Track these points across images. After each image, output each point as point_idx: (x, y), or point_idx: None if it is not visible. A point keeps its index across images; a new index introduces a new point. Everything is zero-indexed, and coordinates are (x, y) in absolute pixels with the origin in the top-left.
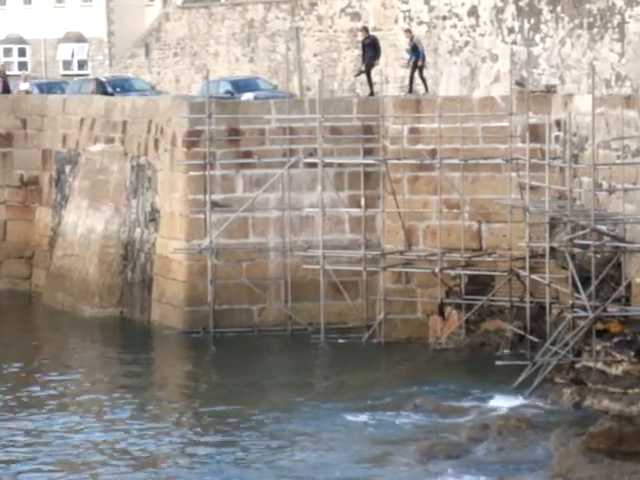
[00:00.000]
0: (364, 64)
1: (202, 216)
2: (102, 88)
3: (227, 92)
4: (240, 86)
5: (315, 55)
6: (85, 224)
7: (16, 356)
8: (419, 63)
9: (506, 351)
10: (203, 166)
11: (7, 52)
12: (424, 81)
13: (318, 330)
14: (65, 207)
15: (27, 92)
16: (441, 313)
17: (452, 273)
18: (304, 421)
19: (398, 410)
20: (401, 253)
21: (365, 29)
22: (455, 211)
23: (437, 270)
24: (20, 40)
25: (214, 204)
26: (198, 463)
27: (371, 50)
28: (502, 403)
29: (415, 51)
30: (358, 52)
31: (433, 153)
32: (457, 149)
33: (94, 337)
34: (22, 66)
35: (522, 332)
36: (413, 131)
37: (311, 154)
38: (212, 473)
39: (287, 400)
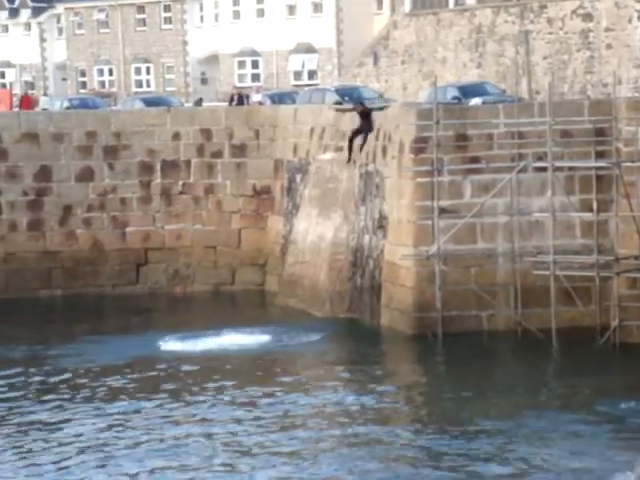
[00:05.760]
0: None
1: (430, 222)
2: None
3: (454, 98)
4: (467, 91)
5: (545, 58)
6: (315, 232)
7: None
8: None
9: None
10: (430, 172)
11: (241, 64)
12: None
13: (549, 336)
14: (296, 215)
15: (260, 103)
16: None
17: None
18: (540, 423)
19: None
20: (636, 258)
21: None
22: None
23: None
24: (253, 52)
25: (442, 210)
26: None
27: None
28: None
29: None
30: (589, 53)
31: None
32: None
33: (325, 338)
34: (255, 78)
35: None
36: None
37: (540, 158)
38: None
39: (521, 404)
